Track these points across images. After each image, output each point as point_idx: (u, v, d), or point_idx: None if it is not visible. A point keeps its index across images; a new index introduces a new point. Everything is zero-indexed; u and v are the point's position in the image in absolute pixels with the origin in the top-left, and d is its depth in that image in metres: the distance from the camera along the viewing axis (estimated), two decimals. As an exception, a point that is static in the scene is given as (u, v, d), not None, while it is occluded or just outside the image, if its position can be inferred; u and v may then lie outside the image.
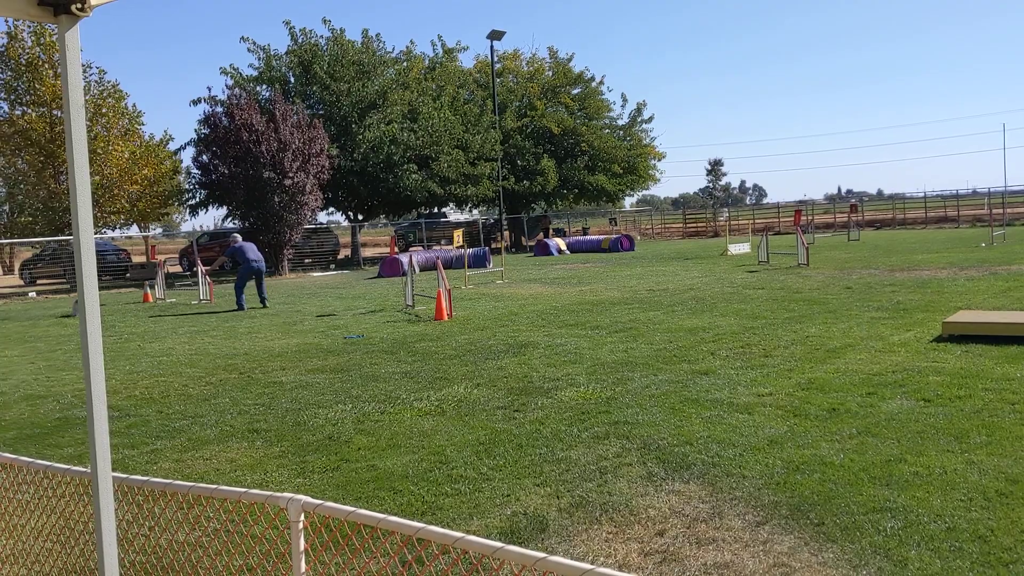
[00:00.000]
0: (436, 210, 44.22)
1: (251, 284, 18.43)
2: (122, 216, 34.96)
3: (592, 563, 3.86)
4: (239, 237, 19.51)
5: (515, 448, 5.92)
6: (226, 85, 33.08)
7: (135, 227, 39.21)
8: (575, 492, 4.94)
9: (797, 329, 10.53)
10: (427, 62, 40.33)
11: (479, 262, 27.48)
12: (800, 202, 66.00)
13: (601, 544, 4.17)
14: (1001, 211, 44.89)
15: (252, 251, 18.45)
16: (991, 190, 49.35)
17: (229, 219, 33.56)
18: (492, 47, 40.73)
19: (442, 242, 39.89)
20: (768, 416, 6.38)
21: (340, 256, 38.69)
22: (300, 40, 35.41)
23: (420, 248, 36.94)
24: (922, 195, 55.51)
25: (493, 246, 38.81)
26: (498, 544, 1.97)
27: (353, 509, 2.34)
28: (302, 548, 2.54)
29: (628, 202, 79.10)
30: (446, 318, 13.63)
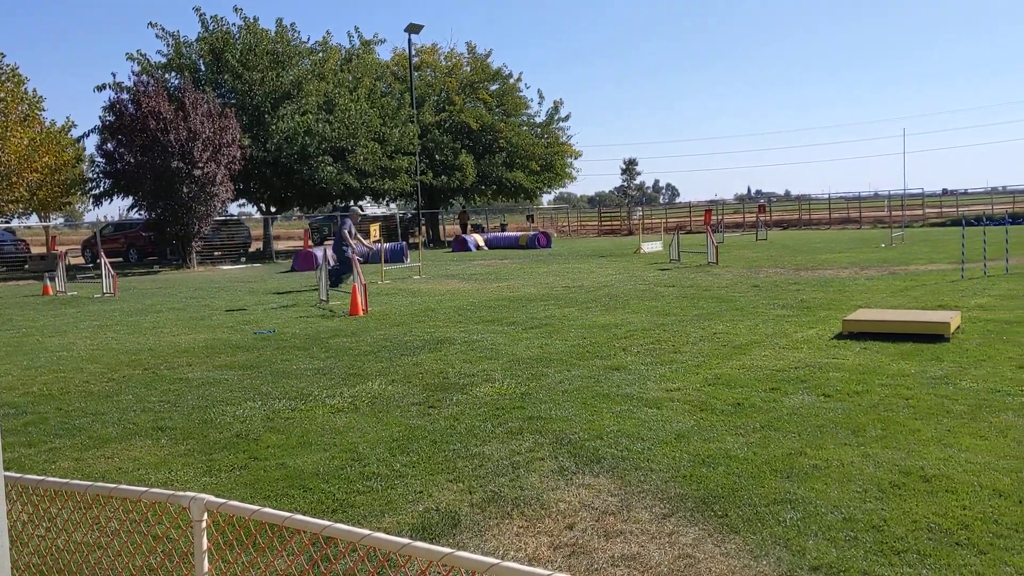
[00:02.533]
0: (353, 203, 43.69)
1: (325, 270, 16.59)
2: (21, 205, 33.54)
3: (501, 558, 3.89)
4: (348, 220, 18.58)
5: (429, 444, 5.91)
6: (133, 71, 32.08)
7: (35, 217, 37.67)
8: (488, 487, 4.96)
9: (706, 326, 10.79)
10: (344, 53, 39.83)
11: (396, 257, 27.29)
12: (711, 202, 67.57)
13: (512, 538, 4.21)
14: (900, 213, 46.84)
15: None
16: (891, 193, 51.44)
17: (135, 209, 32.53)
18: (410, 40, 40.48)
19: (358, 236, 39.43)
20: (676, 411, 6.52)
21: (252, 249, 37.89)
22: (211, 27, 34.54)
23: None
24: (827, 197, 57.52)
25: (411, 241, 38.56)
26: (404, 540, 1.97)
27: (258, 508, 2.31)
28: (205, 547, 2.49)
29: (546, 199, 79.64)
30: (361, 313, 13.50)
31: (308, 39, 37.72)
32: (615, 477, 5.04)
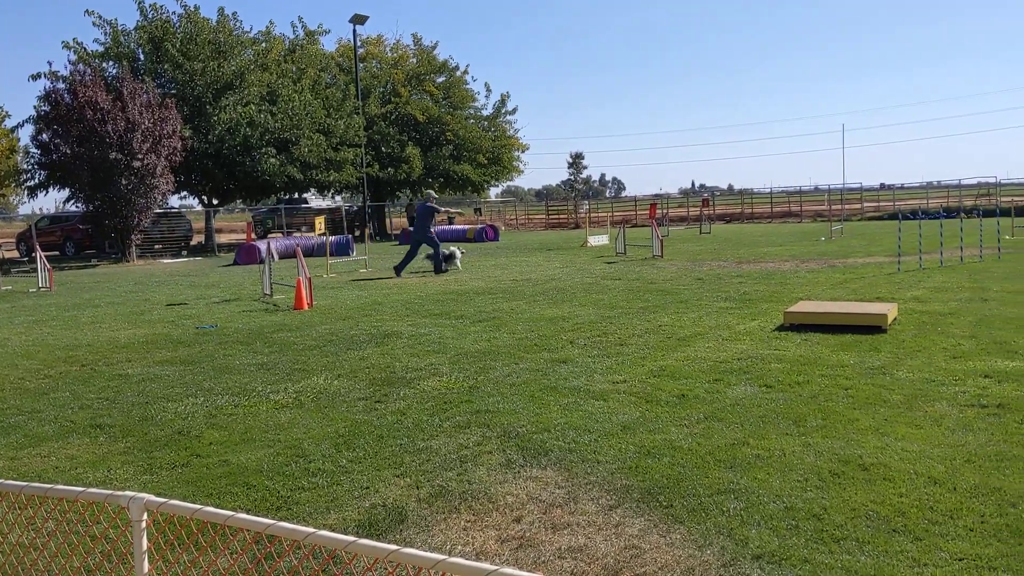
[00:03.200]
0: (297, 196, 43.14)
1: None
2: (-50, 197, 32.44)
3: (448, 553, 3.88)
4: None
5: (375, 439, 5.87)
6: (69, 60, 31.22)
7: (-34, 209, 36.48)
8: (435, 482, 4.95)
9: (651, 319, 10.90)
10: (287, 44, 39.25)
11: (342, 250, 27.04)
12: (656, 196, 68.22)
13: (459, 533, 4.20)
14: (839, 207, 47.86)
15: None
16: (831, 187, 52.49)
17: (72, 202, 31.70)
18: (355, 31, 40.03)
19: (303, 229, 38.98)
20: (622, 402, 6.58)
21: (193, 242, 37.19)
22: (150, 16, 33.73)
23: (279, 235, 35.95)
24: (768, 191, 58.49)
25: (357, 234, 38.22)
26: (350, 538, 1.95)
27: (199, 507, 2.26)
28: (145, 548, 2.43)
29: (493, 192, 79.59)
30: (306, 307, 13.34)
31: (251, 29, 37.08)
32: (562, 469, 5.06)
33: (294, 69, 38.01)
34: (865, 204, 52.35)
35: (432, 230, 19.13)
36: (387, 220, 49.69)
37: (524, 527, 4.23)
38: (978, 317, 9.90)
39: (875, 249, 22.02)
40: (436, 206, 19.44)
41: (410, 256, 19.38)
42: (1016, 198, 46.86)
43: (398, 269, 19.09)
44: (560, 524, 4.24)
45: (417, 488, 4.86)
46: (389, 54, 46.65)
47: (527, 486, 4.81)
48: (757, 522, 4.13)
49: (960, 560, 3.63)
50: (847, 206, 49.50)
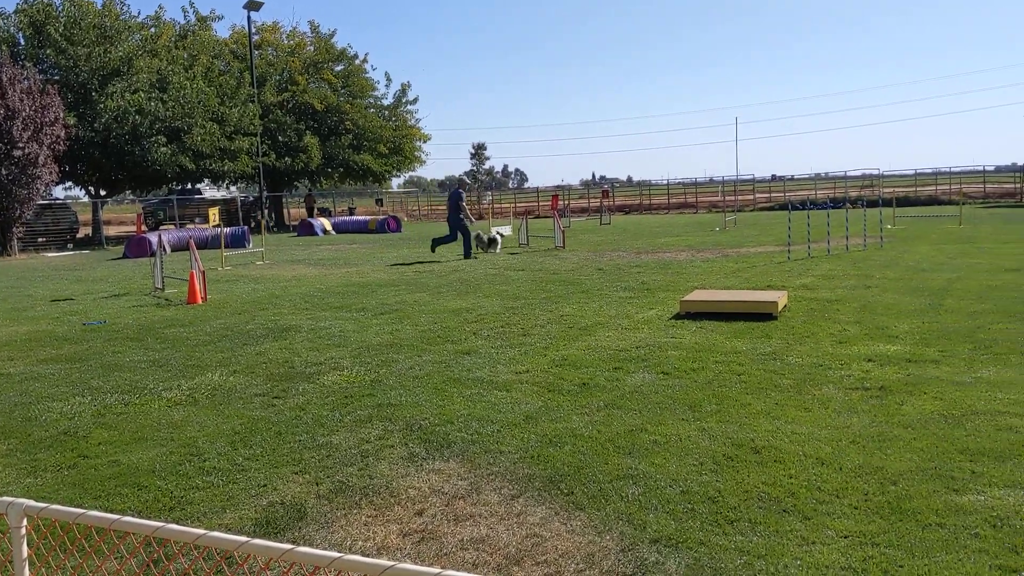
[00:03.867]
0: (190, 186, 41.79)
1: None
2: None
3: (348, 549, 3.83)
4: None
5: (274, 436, 5.74)
6: (-59, 42, 29.34)
7: None
8: (335, 477, 4.87)
9: (553, 309, 11.00)
10: (178, 29, 37.93)
11: (238, 242, 26.36)
12: (558, 187, 68.91)
13: (360, 528, 4.15)
14: (733, 198, 49.33)
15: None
16: (725, 179, 54.04)
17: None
18: (249, 17, 38.98)
19: (196, 220, 37.79)
20: (525, 392, 6.62)
21: (80, 235, 35.58)
22: (31, -2, 32.06)
23: (171, 227, 34.76)
24: (666, 183, 59.81)
25: (253, 225, 37.29)
26: (243, 539, 1.90)
27: (83, 511, 2.16)
28: (25, 555, 2.31)
29: (395, 183, 78.87)
30: (200, 302, 12.95)
31: (139, 13, 35.73)
32: (465, 461, 5.06)
33: (185, 56, 36.76)
34: (757, 195, 54.09)
35: (463, 216, 20.27)
36: (285, 211, 48.67)
37: (426, 520, 4.21)
38: (862, 303, 10.36)
39: (767, 239, 22.79)
40: (461, 192, 20.76)
41: (448, 239, 20.76)
42: (897, 189, 49.24)
43: (467, 255, 20.16)
44: (462, 515, 4.24)
45: (317, 484, 4.78)
46: (285, 41, 45.62)
47: (430, 479, 4.79)
48: (655, 506, 4.22)
49: (846, 537, 3.79)
50: (740, 197, 51.07)
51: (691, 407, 6.01)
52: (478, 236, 21.26)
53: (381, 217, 37.91)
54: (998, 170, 62.02)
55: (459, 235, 20.46)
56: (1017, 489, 4.25)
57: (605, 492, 4.44)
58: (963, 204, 30.66)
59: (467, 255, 20.11)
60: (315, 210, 45.51)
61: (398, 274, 16.55)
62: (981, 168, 53.67)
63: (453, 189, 21.50)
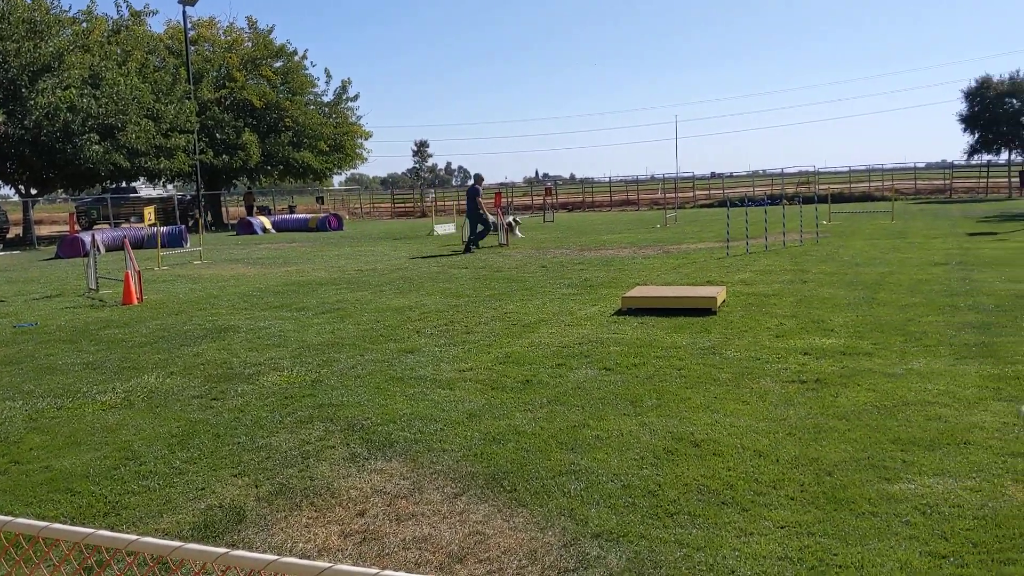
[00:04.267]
0: (125, 184, 40.78)
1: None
2: None
3: (289, 551, 3.78)
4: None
5: (212, 438, 5.64)
6: None
7: None
8: (275, 479, 4.81)
9: (497, 306, 11.01)
10: (111, 24, 36.94)
11: (175, 241, 25.83)
12: (501, 184, 68.95)
13: (301, 530, 4.10)
14: (674, 195, 49.94)
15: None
16: (665, 176, 54.68)
17: None
18: (184, 12, 38.20)
19: (132, 219, 36.91)
20: (468, 390, 6.61)
21: (10, 235, 34.49)
22: (-45, -10, 30.92)
23: (106, 226, 33.88)
24: (608, 180, 60.29)
25: (191, 224, 36.56)
26: (176, 543, 1.86)
27: (9, 518, 2.09)
28: (-54, 569, 2.24)
29: (336, 180, 78.10)
30: (136, 302, 12.66)
31: (70, 8, 34.73)
32: (407, 460, 5.03)
33: (119, 51, 35.84)
34: (697, 192, 54.85)
35: (480, 209, 21.18)
36: (224, 209, 47.84)
37: (368, 520, 4.18)
38: (799, 298, 10.58)
39: (706, 235, 23.11)
40: (479, 188, 21.87)
41: (483, 233, 21.32)
42: (832, 186, 50.34)
43: (470, 244, 20.85)
44: (405, 515, 4.22)
45: (256, 487, 4.71)
46: (222, 37, 44.81)
47: (372, 479, 4.75)
48: (597, 501, 4.25)
49: (782, 528, 3.87)
50: (681, 194, 51.73)
51: (632, 402, 6.07)
52: (495, 223, 22.20)
53: (322, 215, 37.48)
54: (928, 167, 63.91)
55: (478, 226, 21.12)
56: (946, 477, 4.38)
57: (547, 488, 4.46)
58: (895, 200, 31.52)
59: (467, 250, 20.47)
60: (254, 208, 44.82)
61: (339, 272, 16.39)
62: (912, 165, 55.26)
63: (471, 186, 22.44)
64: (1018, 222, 22.88)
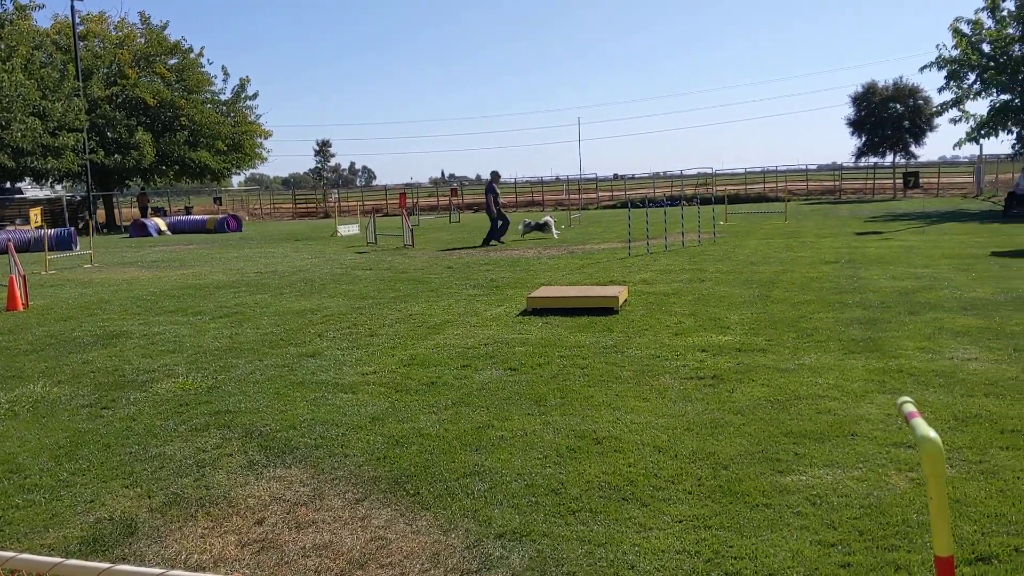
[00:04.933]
0: (9, 185, 38.84)
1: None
2: None
3: (183, 562, 3.66)
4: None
5: (102, 449, 5.42)
6: None
7: None
8: (169, 489, 4.65)
9: (402, 308, 10.93)
10: (-7, 17, 35.15)
11: (63, 244, 24.76)
12: (407, 185, 68.54)
13: (196, 541, 3.97)
14: (578, 197, 50.56)
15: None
16: (569, 177, 55.28)
17: None
18: (73, 7, 36.68)
19: (17, 222, 35.18)
20: (372, 394, 6.53)
21: None
22: None
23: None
24: (513, 181, 60.59)
25: (80, 226, 35.08)
26: (55, 560, 1.77)
27: None
28: None
29: (236, 181, 76.19)
30: (21, 308, 12.07)
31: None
32: (308, 466, 4.94)
33: (3, 47, 34.12)
34: (600, 194, 55.65)
35: (496, 206, 21.84)
36: (116, 211, 46.09)
37: (267, 529, 4.08)
38: (697, 296, 10.84)
39: (609, 236, 23.47)
40: (495, 186, 22.32)
41: (503, 228, 22.04)
42: (729, 187, 51.86)
43: (488, 240, 21.77)
44: (305, 522, 4.14)
45: (149, 497, 4.54)
46: (113, 33, 43.17)
47: (270, 486, 4.65)
48: (500, 501, 4.26)
49: (680, 522, 3.95)
50: (585, 195, 52.39)
51: (536, 401, 6.11)
52: (526, 223, 22.91)
53: (220, 216, 36.55)
54: (819, 169, 66.44)
55: (498, 223, 21.85)
56: (835, 468, 4.55)
57: (451, 490, 4.44)
58: (788, 201, 32.67)
59: (485, 243, 21.59)
60: (149, 210, 43.34)
61: (238, 275, 15.98)
62: (804, 167, 57.36)
63: (488, 183, 22.92)
64: (902, 222, 24.03)
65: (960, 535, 3.68)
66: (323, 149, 72.48)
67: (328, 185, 69.98)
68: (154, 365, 7.90)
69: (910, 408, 1.97)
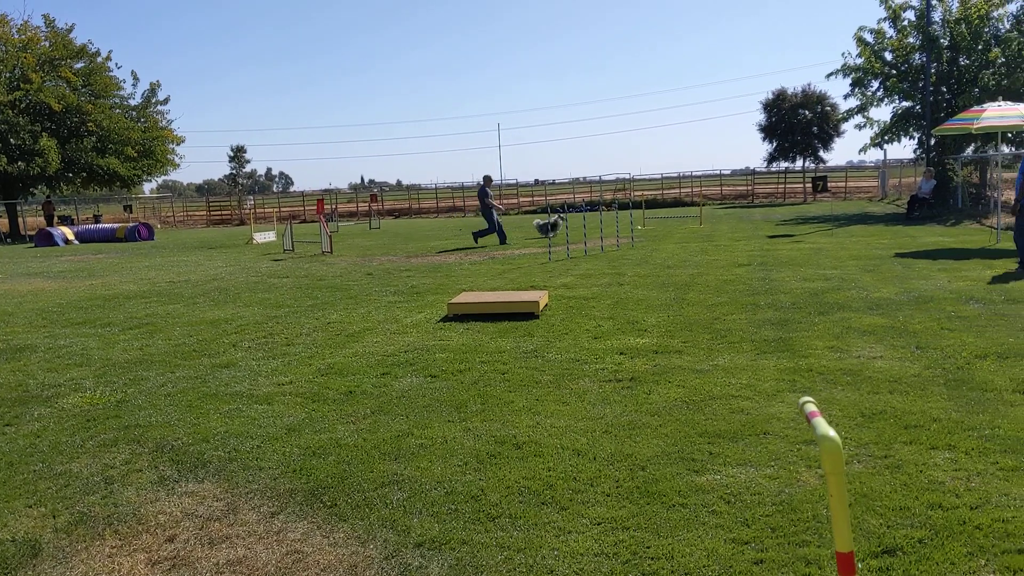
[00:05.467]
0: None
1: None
2: None
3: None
4: None
5: (5, 467, 5.19)
6: None
7: None
8: (76, 508, 4.47)
9: (320, 316, 10.77)
10: None
11: (-38, 255, 23.65)
12: (326, 191, 67.69)
13: (103, 561, 3.83)
14: (499, 202, 50.59)
15: None
16: (491, 183, 55.32)
17: None
18: (-29, 5, 35.06)
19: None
20: (288, 404, 6.42)
21: None
22: None
23: None
24: (434, 186, 60.42)
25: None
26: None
27: None
28: None
29: (147, 188, 74.06)
30: (-86, 322, 11.47)
31: None
32: (222, 480, 4.82)
33: None
34: (521, 199, 55.91)
35: (493, 207, 22.81)
36: (20, 220, 44.27)
37: (178, 546, 3.97)
38: (615, 300, 10.98)
39: (530, 241, 23.58)
40: (487, 188, 23.21)
41: (488, 230, 22.76)
42: (647, 192, 52.72)
43: (490, 237, 22.86)
44: (218, 538, 4.03)
45: (54, 516, 4.37)
46: (16, 36, 41.48)
47: (182, 502, 4.52)
48: (419, 510, 4.23)
49: (599, 524, 3.99)
50: (506, 201, 52.54)
51: (457, 408, 6.09)
52: (537, 224, 23.09)
53: (131, 224, 35.45)
54: (733, 174, 68.09)
55: (495, 225, 22.59)
56: (748, 467, 4.66)
57: (369, 500, 4.39)
58: (703, 205, 33.39)
59: (502, 240, 22.51)
60: (55, 218, 41.76)
61: (149, 284, 15.52)
62: (719, 172, 58.76)
63: (480, 187, 23.62)
64: (812, 225, 24.79)
65: (867, 528, 3.80)
66: (238, 155, 70.85)
67: (244, 191, 68.52)
68: (60, 379, 7.61)
69: (811, 408, 2.03)
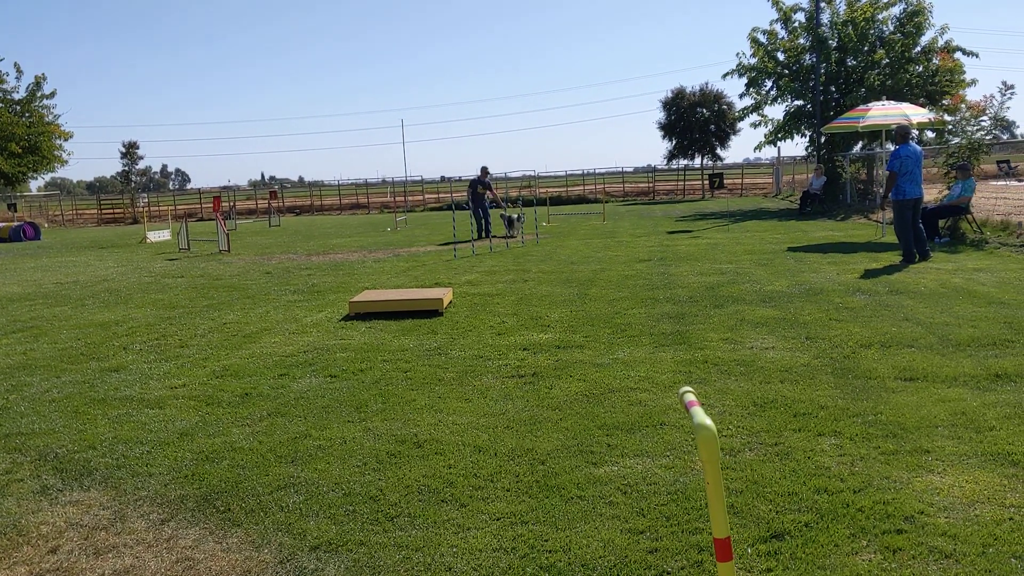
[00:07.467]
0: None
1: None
2: None
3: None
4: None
5: None
6: None
7: None
8: (-52, 524, 4.23)
9: (216, 316, 10.48)
10: None
11: None
12: (224, 188, 65.93)
13: (-23, 578, 3.64)
14: (404, 199, 50.35)
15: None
16: (395, 180, 54.99)
17: None
18: None
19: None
20: (180, 408, 6.22)
21: None
22: None
23: None
24: (337, 183, 59.60)
25: None
26: None
27: None
28: None
29: (34, 186, 70.69)
30: None
31: None
32: (109, 488, 4.63)
33: None
34: (427, 196, 55.68)
35: (485, 200, 22.10)
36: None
37: (62, 557, 3.79)
38: (520, 296, 11.03)
39: (436, 237, 23.51)
40: (479, 180, 22.25)
41: (483, 222, 21.87)
42: (551, 189, 53.22)
43: (485, 235, 21.55)
44: (104, 547, 3.87)
45: (-77, 535, 4.11)
46: None
47: (66, 512, 4.32)
48: (316, 513, 4.15)
49: (498, 520, 3.99)
50: (411, 198, 52.26)
51: (357, 408, 6.01)
52: (503, 216, 22.43)
53: (15, 224, 33.80)
54: (635, 171, 69.42)
55: (488, 218, 21.87)
56: (644, 457, 4.74)
57: (264, 505, 4.28)
58: (606, 202, 33.90)
59: (508, 230, 21.88)
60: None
61: (35, 286, 14.82)
62: (621, 170, 59.73)
63: (478, 179, 22.82)
64: (709, 221, 25.47)
65: (756, 515, 3.92)
66: (130, 151, 68.12)
67: (137, 189, 66.09)
68: (-68, 388, 7.18)
69: (690, 397, 2.08)
